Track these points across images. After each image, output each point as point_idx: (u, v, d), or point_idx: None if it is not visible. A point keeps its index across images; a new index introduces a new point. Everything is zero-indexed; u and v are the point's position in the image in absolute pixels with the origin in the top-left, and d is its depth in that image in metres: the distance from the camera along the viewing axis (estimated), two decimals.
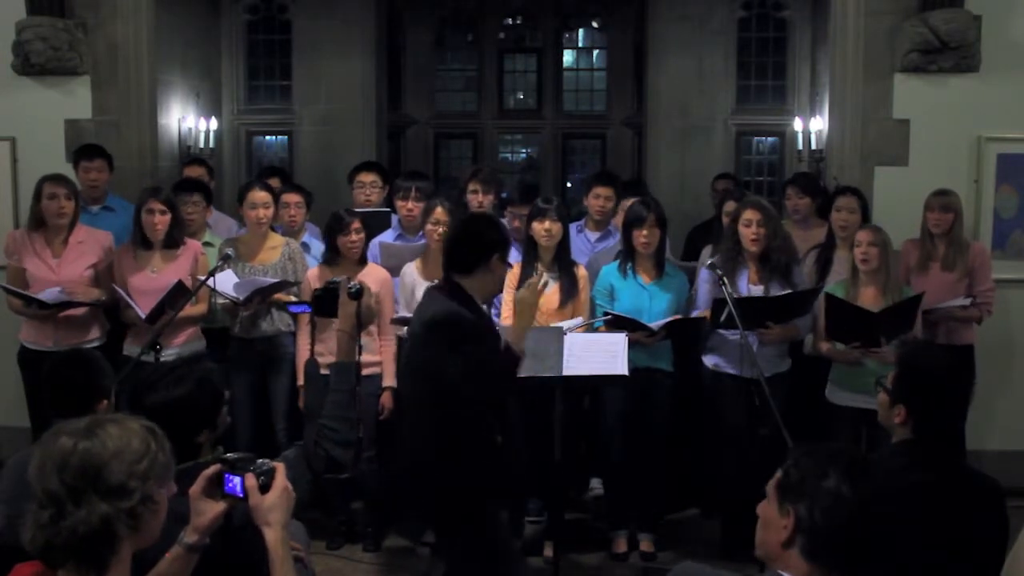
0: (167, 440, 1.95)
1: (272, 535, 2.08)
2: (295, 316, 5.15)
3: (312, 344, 4.48)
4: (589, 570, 4.97)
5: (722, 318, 4.63)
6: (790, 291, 4.77)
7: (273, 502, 2.09)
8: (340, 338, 3.14)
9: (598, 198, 5.63)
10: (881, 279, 4.76)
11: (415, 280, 5.00)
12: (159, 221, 5.03)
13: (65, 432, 1.86)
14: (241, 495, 2.11)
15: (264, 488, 2.10)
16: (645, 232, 4.86)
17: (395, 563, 5.00)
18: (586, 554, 5.06)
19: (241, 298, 4.92)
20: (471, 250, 3.65)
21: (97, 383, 3.26)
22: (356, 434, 4.29)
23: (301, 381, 4.91)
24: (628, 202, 5.25)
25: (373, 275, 5.01)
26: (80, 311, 5.12)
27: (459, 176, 7.22)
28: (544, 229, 4.81)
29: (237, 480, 2.12)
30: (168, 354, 4.62)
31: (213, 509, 2.15)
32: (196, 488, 2.15)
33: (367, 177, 5.94)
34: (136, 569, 1.93)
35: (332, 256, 5.06)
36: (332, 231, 5.04)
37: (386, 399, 4.99)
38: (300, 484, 2.72)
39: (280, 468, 2.14)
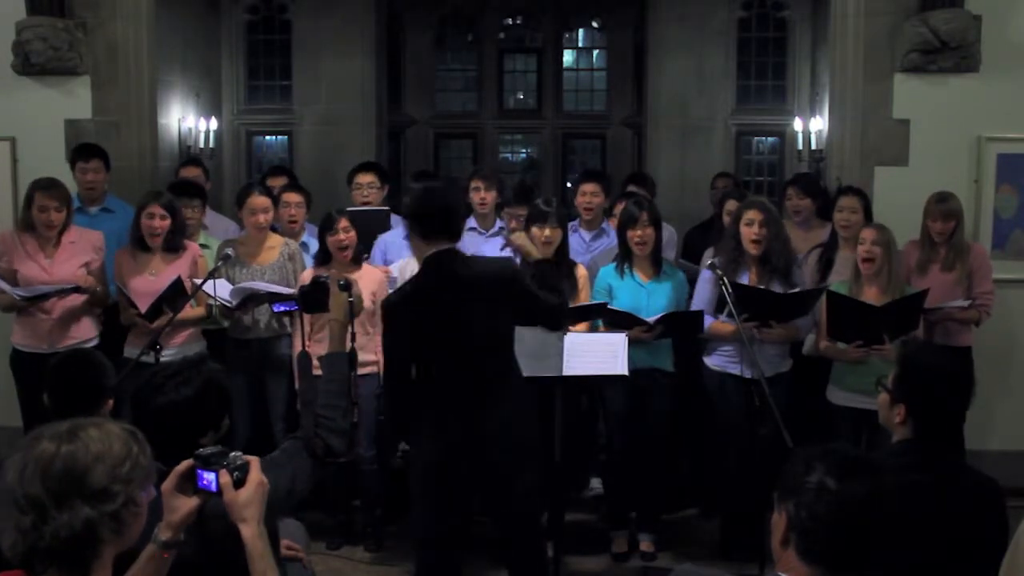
0: (148, 444, 1.92)
1: (248, 531, 2.05)
2: (290, 318, 5.11)
3: (304, 341, 4.47)
4: (589, 570, 4.97)
5: (722, 317, 4.64)
6: (794, 290, 4.76)
7: (248, 497, 2.06)
8: (332, 327, 3.17)
9: (584, 195, 5.68)
10: (884, 278, 4.74)
11: None
12: (158, 226, 5.00)
13: (46, 436, 1.83)
14: (215, 491, 2.08)
15: (239, 483, 2.07)
16: (639, 232, 4.88)
17: (395, 563, 5.00)
18: (586, 554, 5.06)
19: (234, 303, 4.90)
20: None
21: (102, 383, 3.24)
22: (351, 420, 4.29)
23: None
24: (620, 206, 5.27)
25: (369, 276, 5.00)
26: (78, 300, 5.06)
27: (459, 176, 7.25)
28: (544, 236, 4.77)
29: (211, 476, 2.08)
30: (167, 355, 4.58)
31: (186, 505, 2.10)
32: (168, 484, 2.11)
33: (365, 178, 5.94)
34: (116, 572, 1.91)
35: (325, 256, 5.05)
36: (323, 230, 5.04)
37: None
38: (302, 475, 2.72)
39: (255, 462, 2.11)
